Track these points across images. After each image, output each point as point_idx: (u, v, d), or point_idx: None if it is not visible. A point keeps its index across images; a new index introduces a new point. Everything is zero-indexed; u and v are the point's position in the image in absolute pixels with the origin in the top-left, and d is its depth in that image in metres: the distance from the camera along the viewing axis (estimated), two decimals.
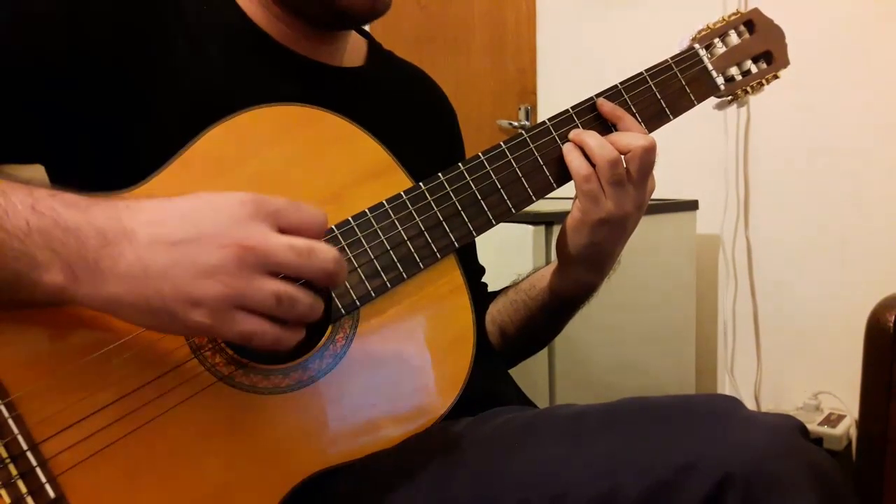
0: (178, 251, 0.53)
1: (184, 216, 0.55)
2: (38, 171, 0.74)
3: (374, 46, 0.92)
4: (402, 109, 0.90)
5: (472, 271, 0.96)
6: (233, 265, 0.53)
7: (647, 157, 0.76)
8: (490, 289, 0.99)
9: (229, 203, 0.55)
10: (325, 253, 0.56)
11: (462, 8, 2.38)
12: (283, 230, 0.55)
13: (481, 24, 2.35)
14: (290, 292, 0.54)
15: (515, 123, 2.27)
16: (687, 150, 1.74)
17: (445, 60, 2.39)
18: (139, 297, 0.53)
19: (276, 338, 0.55)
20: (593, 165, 0.75)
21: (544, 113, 2.26)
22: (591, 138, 0.76)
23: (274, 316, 0.55)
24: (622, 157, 0.75)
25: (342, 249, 0.68)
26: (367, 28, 0.92)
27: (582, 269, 0.83)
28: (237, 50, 0.77)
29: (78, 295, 0.54)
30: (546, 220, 1.40)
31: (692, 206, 1.83)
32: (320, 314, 0.57)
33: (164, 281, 0.53)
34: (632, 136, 0.77)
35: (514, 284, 0.94)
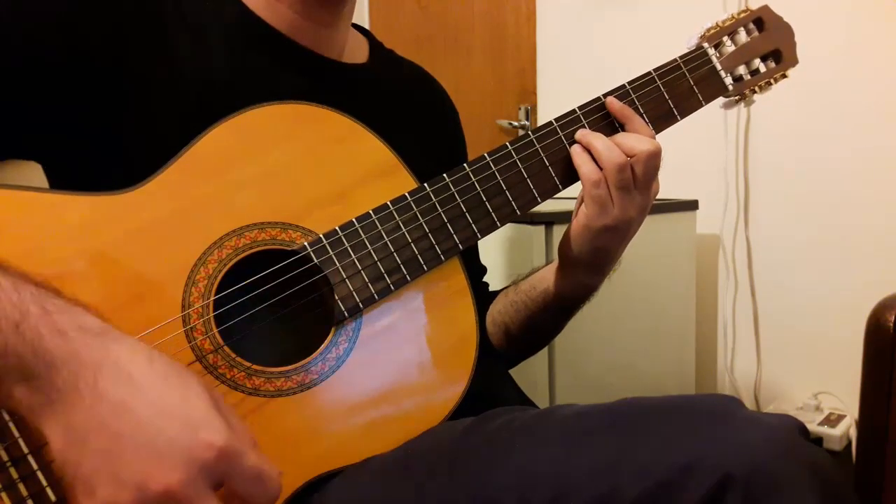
0: (118, 446, 0.51)
1: (153, 413, 0.52)
2: (37, 169, 0.74)
3: (375, 45, 0.92)
4: (405, 107, 0.90)
5: (474, 271, 0.96)
6: (147, 498, 0.50)
7: (652, 162, 0.76)
8: (491, 288, 0.99)
9: (200, 434, 0.51)
10: None
11: (462, 8, 2.38)
12: (228, 487, 0.53)
13: (481, 24, 2.35)
14: None
15: (515, 123, 2.27)
16: (687, 150, 1.74)
17: (445, 60, 2.39)
18: (64, 451, 0.51)
19: None
20: (601, 169, 0.75)
21: (544, 113, 2.26)
22: (598, 141, 0.76)
23: None
24: (629, 160, 0.75)
25: (345, 252, 0.68)
26: (367, 27, 0.92)
27: (584, 271, 0.83)
28: (239, 43, 0.77)
29: (30, 417, 0.52)
30: (546, 220, 1.40)
31: (692, 206, 1.83)
32: None
33: (88, 459, 0.51)
34: (637, 138, 0.76)
35: (514, 285, 0.94)
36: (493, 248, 1.44)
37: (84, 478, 0.51)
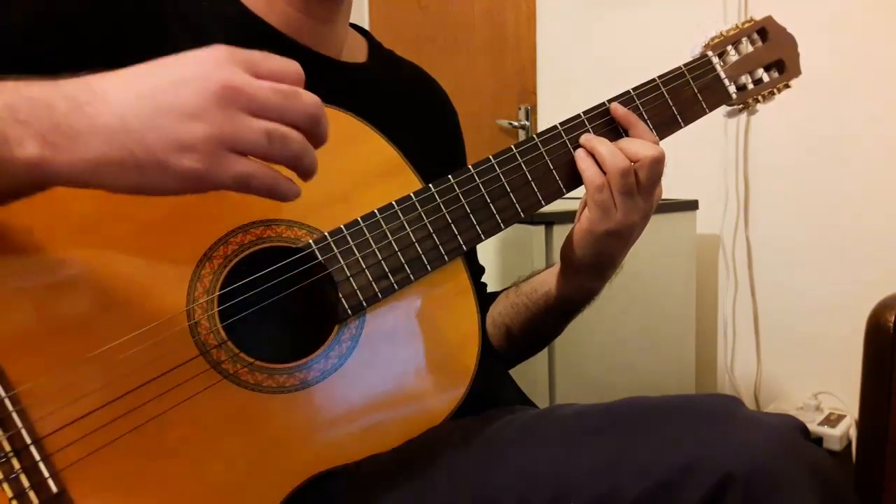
0: (157, 98, 0.50)
1: (158, 67, 0.52)
2: None
3: (374, 45, 0.93)
4: (404, 107, 0.91)
5: (473, 271, 0.96)
6: (218, 105, 0.50)
7: (656, 168, 0.76)
8: (490, 289, 0.99)
9: (203, 52, 0.52)
10: (308, 96, 0.54)
11: (462, 8, 2.38)
12: (259, 77, 0.53)
13: (481, 24, 2.35)
14: (280, 129, 0.52)
15: (515, 123, 2.28)
16: (687, 150, 1.73)
17: (445, 60, 2.39)
18: (123, 153, 0.49)
19: (273, 180, 0.53)
20: (604, 174, 0.75)
21: (544, 113, 2.26)
22: (603, 146, 0.76)
23: (267, 157, 0.52)
24: (632, 165, 0.75)
25: (350, 250, 0.68)
26: (367, 28, 0.92)
27: (585, 275, 0.83)
28: (238, 42, 0.77)
29: (56, 166, 0.50)
30: (547, 221, 1.40)
31: (692, 206, 1.83)
32: (314, 157, 0.55)
33: (147, 130, 0.49)
34: (641, 144, 0.76)
35: (515, 286, 0.95)
36: (493, 249, 1.44)
37: (161, 146, 0.49)
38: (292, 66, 0.55)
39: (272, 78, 0.53)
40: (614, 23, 2.07)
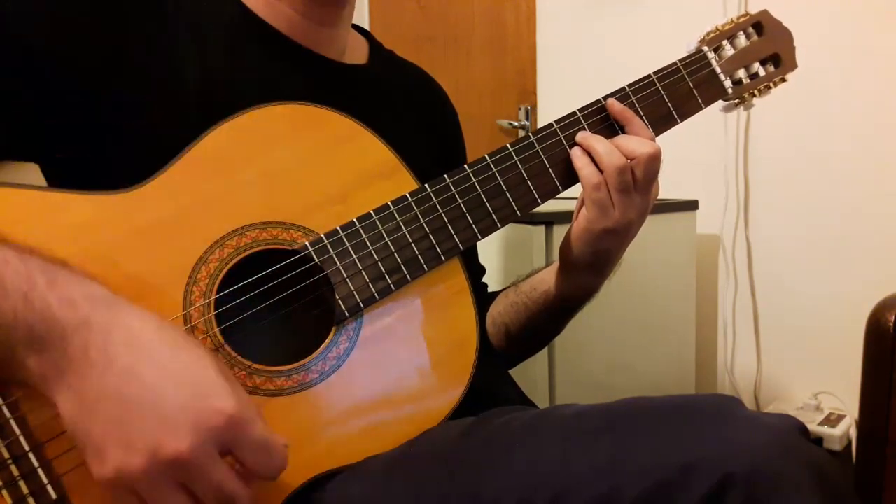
0: (128, 412, 0.52)
1: (163, 379, 0.53)
2: (32, 170, 0.74)
3: (375, 46, 0.92)
4: (405, 108, 0.90)
5: (473, 271, 0.96)
6: (158, 463, 0.51)
7: (653, 165, 0.76)
8: (490, 289, 0.99)
9: (209, 401, 0.52)
10: (243, 501, 0.54)
11: (462, 8, 2.38)
12: (235, 456, 0.54)
13: (481, 24, 2.35)
14: None
15: (515, 123, 2.28)
16: (687, 150, 1.74)
17: (445, 60, 2.39)
18: (75, 418, 0.52)
19: None
20: (601, 172, 0.75)
21: (544, 113, 2.26)
22: (599, 143, 0.76)
23: None
24: (629, 163, 0.75)
25: (346, 252, 0.68)
26: (367, 28, 0.92)
27: (584, 273, 0.83)
28: (239, 43, 0.77)
29: (42, 387, 0.53)
30: (546, 221, 1.40)
31: (692, 206, 1.83)
32: None
33: (99, 425, 0.52)
34: (638, 141, 0.76)
35: (514, 286, 0.94)
36: (493, 249, 1.44)
37: (95, 444, 0.52)
38: (271, 466, 0.55)
39: (248, 466, 0.54)
40: (614, 22, 2.07)
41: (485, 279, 1.00)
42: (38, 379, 0.53)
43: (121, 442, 0.51)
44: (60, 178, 0.73)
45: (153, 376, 0.53)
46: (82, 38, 0.69)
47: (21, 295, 0.53)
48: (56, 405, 0.53)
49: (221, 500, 0.53)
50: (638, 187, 0.76)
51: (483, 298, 0.95)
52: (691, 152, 1.85)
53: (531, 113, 2.28)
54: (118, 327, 0.54)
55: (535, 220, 1.40)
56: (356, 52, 0.88)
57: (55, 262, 0.56)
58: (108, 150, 0.70)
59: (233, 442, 0.53)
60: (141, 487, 0.51)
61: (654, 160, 0.76)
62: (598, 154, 0.75)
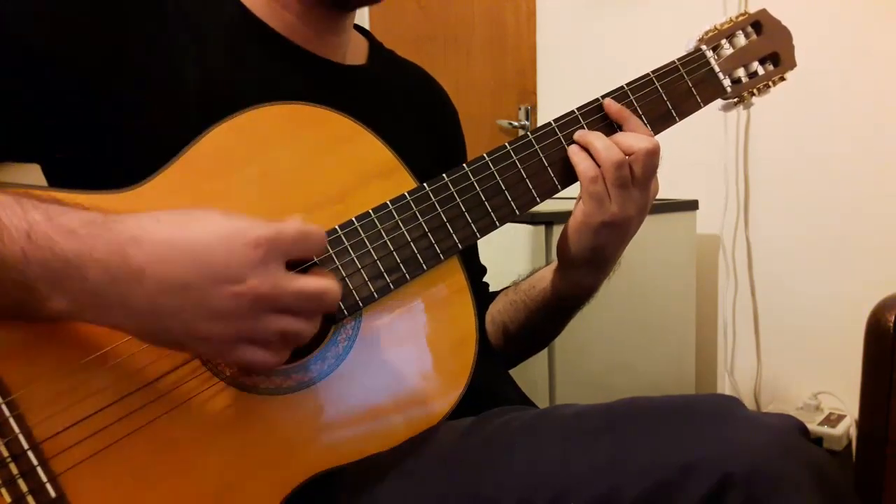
0: (188, 294, 0.54)
1: (194, 256, 0.55)
2: (36, 170, 0.74)
3: (375, 46, 0.92)
4: (405, 109, 0.90)
5: (474, 271, 0.96)
6: (244, 310, 0.55)
7: (651, 160, 0.76)
8: (491, 289, 0.99)
9: (243, 242, 0.55)
10: (329, 295, 0.58)
11: (462, 8, 2.38)
12: (294, 261, 0.58)
13: (481, 24, 2.35)
14: (294, 329, 0.57)
15: (515, 123, 2.28)
16: (687, 150, 1.74)
17: (445, 60, 2.39)
18: (147, 332, 0.56)
19: (273, 365, 0.58)
20: (599, 167, 0.75)
21: (544, 113, 2.26)
22: (597, 139, 0.76)
23: (276, 347, 0.57)
24: (627, 158, 0.75)
25: (345, 251, 0.68)
26: (367, 27, 0.92)
27: (582, 271, 0.83)
28: (239, 44, 0.77)
29: (82, 319, 0.55)
30: (546, 220, 1.40)
31: (692, 206, 1.83)
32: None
33: (173, 320, 0.54)
34: (635, 137, 0.76)
35: (515, 285, 0.94)
36: (493, 248, 1.43)
37: (187, 336, 0.55)
38: (319, 248, 0.60)
39: (300, 256, 0.59)
40: (614, 22, 2.07)
41: (485, 279, 1.00)
42: (74, 313, 0.55)
43: (206, 318, 0.54)
44: (61, 178, 0.73)
45: (183, 256, 0.54)
46: (82, 38, 0.69)
47: (23, 234, 0.54)
48: (112, 326, 0.55)
49: (311, 299, 0.57)
50: (636, 183, 0.76)
51: (484, 298, 0.95)
52: (691, 152, 1.84)
53: (531, 113, 2.28)
54: (124, 240, 0.55)
55: (534, 219, 1.40)
56: (356, 53, 0.88)
57: (46, 197, 0.57)
58: (109, 150, 0.70)
59: (280, 253, 0.56)
60: (250, 337, 0.55)
61: (652, 156, 0.76)
62: (595, 149, 0.75)
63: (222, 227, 0.56)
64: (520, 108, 2.29)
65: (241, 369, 0.60)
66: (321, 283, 0.57)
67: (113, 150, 0.70)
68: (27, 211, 0.55)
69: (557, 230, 1.40)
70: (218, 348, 0.56)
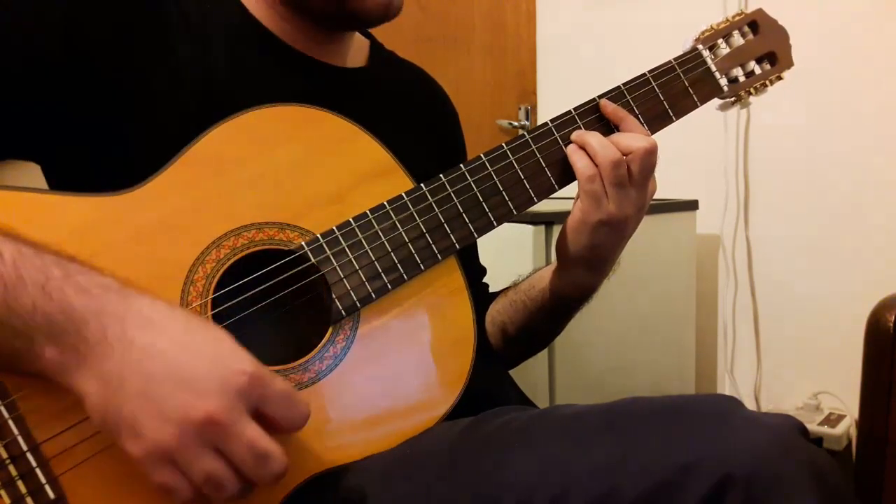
0: (154, 386, 0.54)
1: (182, 354, 0.55)
2: (33, 171, 0.74)
3: (376, 47, 0.92)
4: (405, 110, 0.90)
5: (474, 272, 0.96)
6: (191, 427, 0.53)
7: (648, 159, 0.76)
8: (491, 289, 0.99)
9: (229, 366, 0.55)
10: (274, 464, 0.55)
11: (462, 8, 2.37)
12: (263, 414, 0.56)
13: (481, 24, 2.35)
14: (220, 477, 0.54)
15: (515, 123, 2.27)
16: (687, 150, 1.74)
17: (445, 60, 2.39)
18: (102, 401, 0.54)
19: (178, 498, 0.55)
20: (596, 166, 0.75)
21: (544, 113, 2.26)
22: (594, 139, 0.76)
23: (193, 484, 0.54)
24: (624, 158, 0.75)
25: (343, 251, 0.68)
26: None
27: (581, 270, 0.83)
28: (240, 47, 0.77)
29: (62, 378, 0.55)
30: (546, 220, 1.40)
31: (692, 206, 1.83)
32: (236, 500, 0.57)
33: (128, 402, 0.53)
34: (633, 137, 0.76)
35: (515, 285, 0.94)
36: (493, 249, 1.43)
37: (127, 422, 0.53)
38: (297, 421, 0.58)
39: (272, 421, 0.56)
40: (614, 22, 2.07)
41: (485, 279, 1.00)
42: (57, 368, 0.55)
43: (152, 414, 0.53)
44: (61, 178, 0.73)
45: (172, 350, 0.55)
46: (84, 39, 0.69)
47: (38, 287, 0.55)
48: (79, 392, 0.55)
49: (257, 457, 0.54)
50: (634, 182, 0.76)
51: (484, 299, 0.95)
52: (691, 152, 1.84)
53: (531, 113, 2.28)
54: (131, 312, 0.56)
55: (535, 220, 1.40)
56: (357, 54, 0.88)
57: (66, 256, 0.58)
58: (109, 150, 0.70)
59: (258, 398, 0.55)
60: (178, 457, 0.53)
61: (649, 155, 0.76)
62: (593, 149, 0.75)
63: (220, 343, 0.56)
64: (520, 108, 2.28)
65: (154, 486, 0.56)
66: (272, 447, 0.55)
67: (113, 150, 0.70)
68: (47, 265, 0.56)
69: (557, 230, 1.39)
70: (145, 455, 0.53)
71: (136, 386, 0.53)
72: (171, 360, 0.54)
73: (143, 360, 0.54)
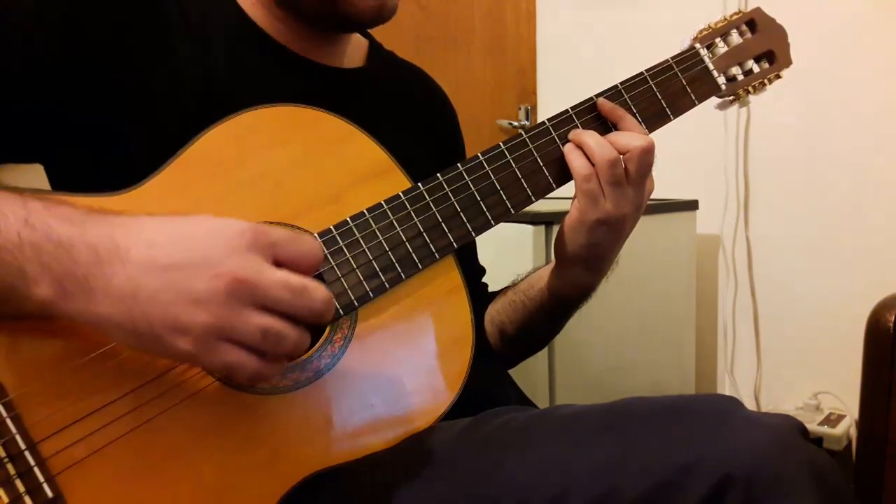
0: (170, 276, 0.53)
1: (180, 240, 0.55)
2: (37, 171, 0.74)
3: (374, 47, 0.92)
4: (403, 110, 0.90)
5: (473, 272, 0.96)
6: (223, 296, 0.53)
7: (646, 158, 0.76)
8: (490, 289, 0.99)
9: (228, 231, 0.55)
10: (316, 292, 0.55)
11: (462, 8, 2.37)
12: (279, 262, 0.56)
13: (481, 24, 2.35)
14: (276, 328, 0.54)
15: (515, 123, 2.27)
16: (687, 150, 1.74)
17: (445, 60, 2.38)
18: (127, 319, 0.53)
19: (255, 372, 0.55)
20: (593, 165, 0.75)
21: (544, 113, 2.26)
22: (591, 138, 0.76)
23: (258, 349, 0.54)
24: (621, 157, 0.75)
25: (340, 250, 0.68)
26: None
27: (579, 269, 0.83)
28: (239, 49, 0.77)
29: (66, 310, 0.54)
30: (546, 220, 1.40)
31: (692, 206, 1.83)
32: (305, 350, 0.57)
33: (152, 305, 0.53)
34: (630, 136, 0.76)
35: (514, 285, 0.94)
36: (493, 249, 1.43)
37: (162, 324, 0.53)
38: (312, 253, 0.58)
39: (291, 263, 0.56)
40: (614, 22, 2.07)
41: (485, 279, 1.00)
42: (59, 299, 0.54)
43: (183, 304, 0.53)
44: (63, 178, 0.73)
45: (171, 240, 0.54)
46: (84, 40, 0.69)
47: (21, 220, 0.54)
48: (93, 321, 0.54)
49: (295, 293, 0.54)
50: (631, 181, 0.76)
51: (483, 298, 0.95)
52: (691, 152, 1.84)
53: (531, 113, 2.28)
54: (115, 225, 0.55)
55: (534, 220, 1.40)
56: (355, 54, 0.88)
57: (46, 192, 0.59)
58: (109, 150, 0.70)
59: (268, 246, 0.55)
60: (228, 330, 0.53)
61: (647, 153, 0.76)
62: (589, 148, 0.75)
63: (210, 220, 0.56)
64: (520, 108, 2.28)
65: (226, 376, 0.57)
66: (305, 280, 0.55)
67: (113, 150, 0.70)
68: (27, 200, 0.56)
69: (556, 230, 1.40)
70: (198, 344, 0.53)
71: (152, 287, 0.53)
72: (174, 249, 0.54)
73: (147, 262, 0.53)
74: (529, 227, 1.40)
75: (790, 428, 0.59)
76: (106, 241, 0.54)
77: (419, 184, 0.73)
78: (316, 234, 0.68)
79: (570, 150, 0.77)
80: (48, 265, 0.53)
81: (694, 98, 0.83)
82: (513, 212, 0.76)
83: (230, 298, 0.53)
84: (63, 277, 0.53)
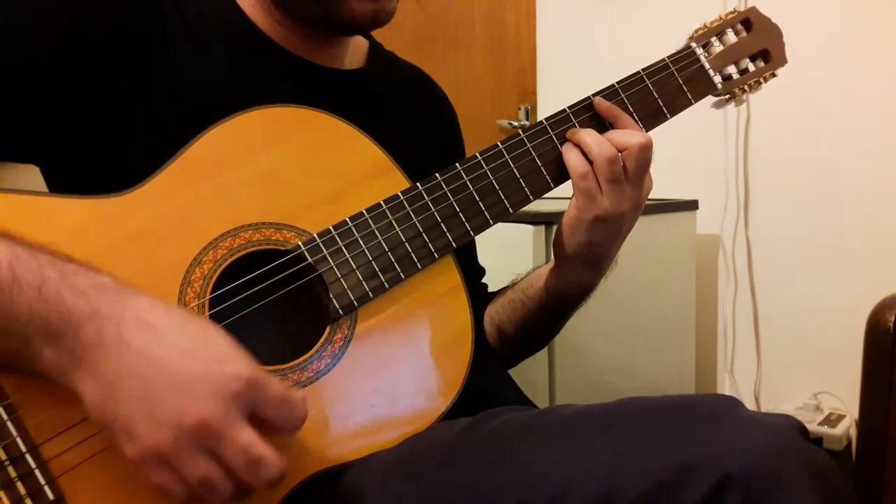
0: (149, 388, 0.54)
1: (179, 354, 0.55)
2: (34, 171, 0.74)
3: (375, 48, 0.92)
4: (403, 111, 0.90)
5: (473, 272, 0.96)
6: (184, 432, 0.53)
7: (644, 155, 0.76)
8: (490, 289, 0.99)
9: (225, 371, 0.55)
10: (268, 469, 0.55)
11: (462, 8, 2.37)
12: (261, 418, 0.56)
13: (481, 24, 2.35)
14: (215, 481, 0.54)
15: (515, 123, 2.27)
16: (687, 150, 1.74)
17: (445, 60, 2.38)
18: (99, 402, 0.54)
19: (178, 502, 0.55)
20: (591, 163, 0.76)
21: (544, 113, 2.24)
22: (589, 136, 0.76)
23: (190, 489, 0.54)
24: (619, 154, 0.75)
25: (339, 251, 0.68)
26: None
27: (578, 268, 0.83)
28: (239, 51, 0.77)
29: (60, 378, 0.55)
30: (546, 220, 1.40)
31: (692, 206, 1.83)
32: None
33: (123, 404, 0.54)
34: (628, 133, 0.77)
35: (513, 284, 0.94)
36: (493, 249, 1.44)
37: (123, 424, 0.54)
38: (295, 419, 0.58)
39: (272, 422, 0.56)
40: (614, 22, 2.07)
41: (485, 279, 1.00)
42: (55, 369, 0.55)
43: (147, 417, 0.53)
44: (60, 179, 0.73)
45: (168, 353, 0.55)
46: (82, 40, 0.69)
47: (34, 289, 0.55)
48: (78, 393, 0.55)
49: (250, 462, 0.54)
50: (629, 178, 0.76)
51: (483, 298, 0.95)
52: (691, 152, 1.84)
53: (531, 113, 2.28)
54: (128, 312, 0.55)
55: (534, 219, 1.40)
56: (355, 55, 0.88)
57: (62, 256, 0.58)
58: (109, 151, 0.70)
59: (254, 402, 0.55)
60: (172, 460, 0.53)
61: (645, 150, 0.76)
62: (587, 146, 0.76)
63: (217, 346, 0.56)
64: (520, 109, 2.28)
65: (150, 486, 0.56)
66: (267, 452, 0.55)
67: (112, 151, 0.70)
68: (43, 267, 0.56)
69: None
70: (140, 457, 0.54)
71: (131, 389, 0.53)
72: (166, 364, 0.54)
73: (139, 364, 0.54)
74: (529, 227, 1.40)
75: (790, 428, 0.59)
76: (111, 328, 0.54)
77: (418, 184, 0.73)
78: (316, 235, 0.69)
79: (567, 149, 0.77)
80: (53, 338, 0.54)
81: (690, 97, 0.83)
82: (511, 211, 0.76)
83: (189, 436, 0.53)
84: (64, 351, 0.54)
